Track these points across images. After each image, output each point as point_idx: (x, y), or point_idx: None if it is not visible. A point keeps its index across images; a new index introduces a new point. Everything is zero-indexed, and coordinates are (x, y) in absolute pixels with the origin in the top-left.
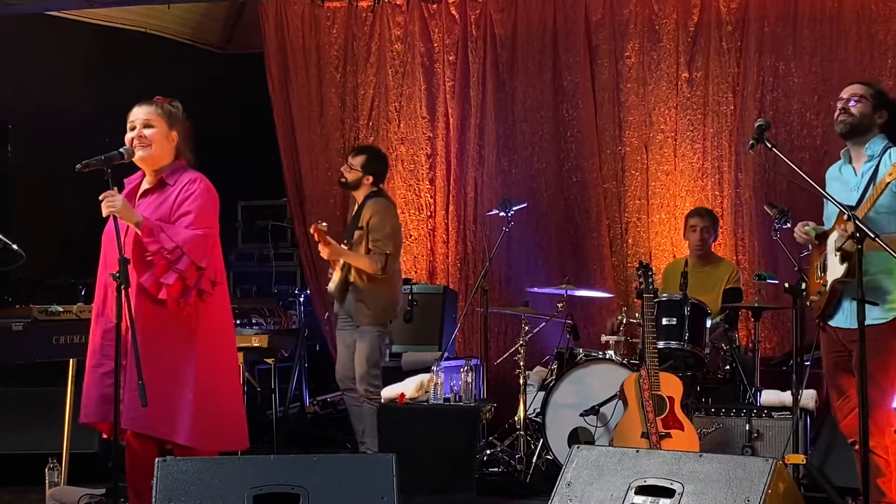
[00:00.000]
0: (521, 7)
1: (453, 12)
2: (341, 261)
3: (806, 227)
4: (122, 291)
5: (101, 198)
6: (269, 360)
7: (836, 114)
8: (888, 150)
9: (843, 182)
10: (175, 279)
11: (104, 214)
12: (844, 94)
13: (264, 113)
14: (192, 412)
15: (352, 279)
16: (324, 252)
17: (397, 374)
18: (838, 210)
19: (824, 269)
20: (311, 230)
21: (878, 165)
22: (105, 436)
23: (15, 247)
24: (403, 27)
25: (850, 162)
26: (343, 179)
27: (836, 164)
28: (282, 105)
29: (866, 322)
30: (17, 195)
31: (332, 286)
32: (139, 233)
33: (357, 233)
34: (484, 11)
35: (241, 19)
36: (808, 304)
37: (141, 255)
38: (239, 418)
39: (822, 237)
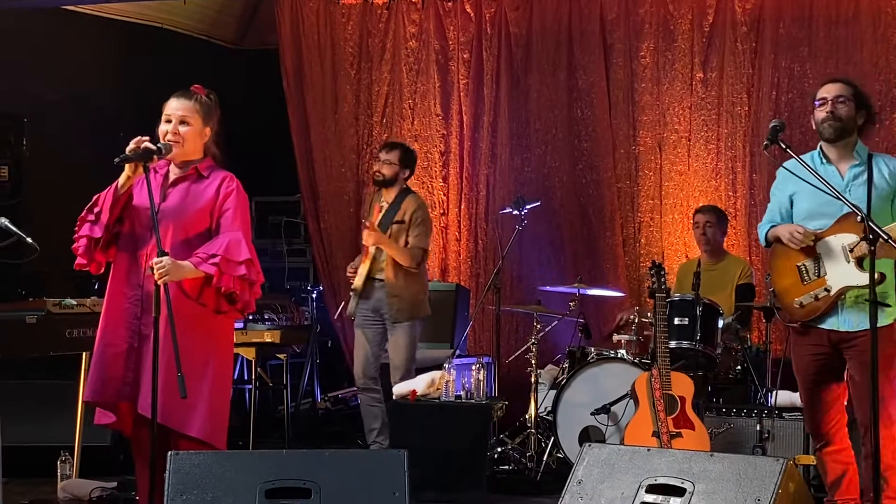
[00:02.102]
0: (537, 5)
1: (468, 10)
2: (371, 255)
3: (809, 229)
4: (161, 286)
5: (151, 265)
6: (281, 356)
7: (819, 115)
8: (872, 156)
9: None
10: (250, 293)
11: (158, 282)
12: (827, 94)
13: (279, 109)
14: (206, 407)
15: (382, 276)
16: (369, 239)
17: None
18: (840, 213)
19: (818, 272)
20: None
21: (870, 172)
22: (107, 421)
23: (29, 240)
24: (418, 24)
25: (829, 161)
26: (380, 176)
27: (806, 157)
28: (296, 101)
29: (867, 326)
30: (33, 188)
31: (359, 281)
32: (205, 273)
33: (395, 226)
34: (499, 9)
35: (257, 15)
36: (775, 307)
37: (203, 286)
38: (226, 418)
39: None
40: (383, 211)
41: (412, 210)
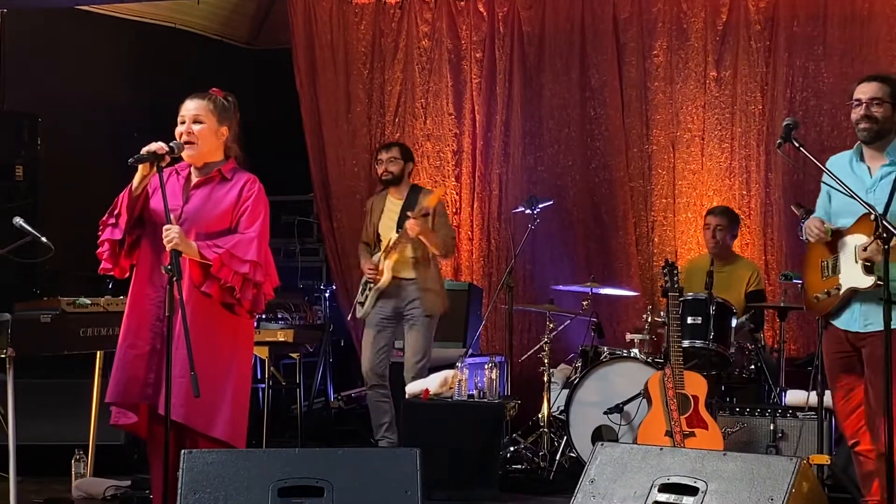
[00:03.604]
0: (549, 5)
1: (481, 9)
2: (397, 255)
3: (826, 226)
4: (175, 284)
5: (164, 232)
6: (294, 355)
7: (855, 116)
8: None
9: (856, 180)
10: (252, 293)
11: (167, 248)
12: (862, 94)
13: (292, 108)
14: (230, 409)
15: (410, 275)
16: (415, 229)
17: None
18: (862, 212)
19: (835, 269)
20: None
21: None
22: (126, 422)
23: (44, 239)
24: (431, 24)
25: (863, 160)
26: (389, 175)
27: (844, 155)
28: (309, 101)
29: (877, 327)
30: (47, 188)
31: (387, 278)
32: (204, 259)
33: (423, 219)
34: (512, 9)
35: (270, 15)
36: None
37: (207, 277)
38: (246, 419)
39: (835, 235)
40: (399, 209)
41: (435, 202)
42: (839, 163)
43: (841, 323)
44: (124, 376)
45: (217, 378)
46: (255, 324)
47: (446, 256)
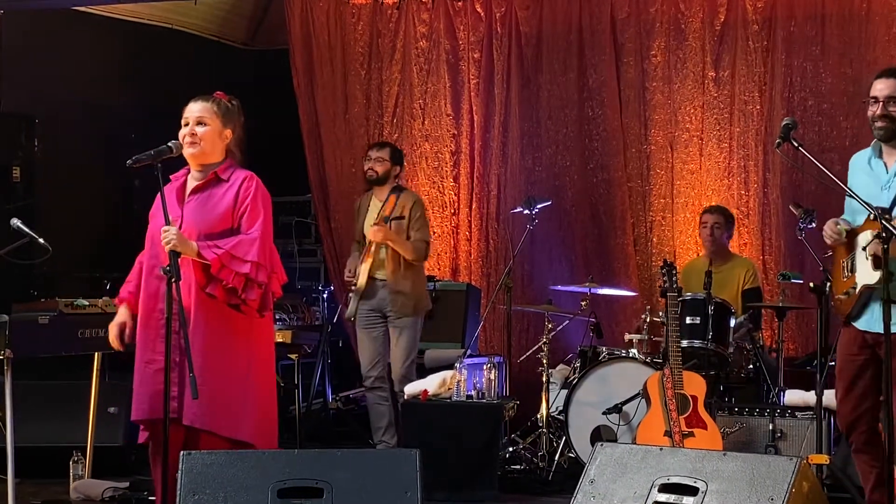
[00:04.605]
0: (547, 5)
1: (479, 10)
2: (371, 257)
3: (839, 227)
4: (173, 286)
5: (162, 233)
6: (293, 356)
7: (871, 114)
8: None
9: (873, 177)
10: (257, 293)
11: (165, 249)
12: (878, 93)
13: (289, 109)
14: (254, 409)
15: (383, 275)
16: (378, 235)
17: (420, 371)
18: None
19: (852, 268)
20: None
21: None
22: (144, 437)
23: (41, 240)
24: (428, 24)
25: (881, 156)
26: (373, 174)
27: (865, 152)
28: (306, 101)
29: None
30: (44, 189)
31: (362, 281)
32: (203, 260)
33: (395, 223)
34: (509, 9)
35: (267, 16)
36: (832, 302)
37: (211, 278)
38: (275, 417)
39: (850, 234)
40: (380, 209)
41: (410, 205)
42: (860, 160)
43: (861, 324)
44: (147, 392)
45: (235, 380)
46: None
47: (417, 261)
